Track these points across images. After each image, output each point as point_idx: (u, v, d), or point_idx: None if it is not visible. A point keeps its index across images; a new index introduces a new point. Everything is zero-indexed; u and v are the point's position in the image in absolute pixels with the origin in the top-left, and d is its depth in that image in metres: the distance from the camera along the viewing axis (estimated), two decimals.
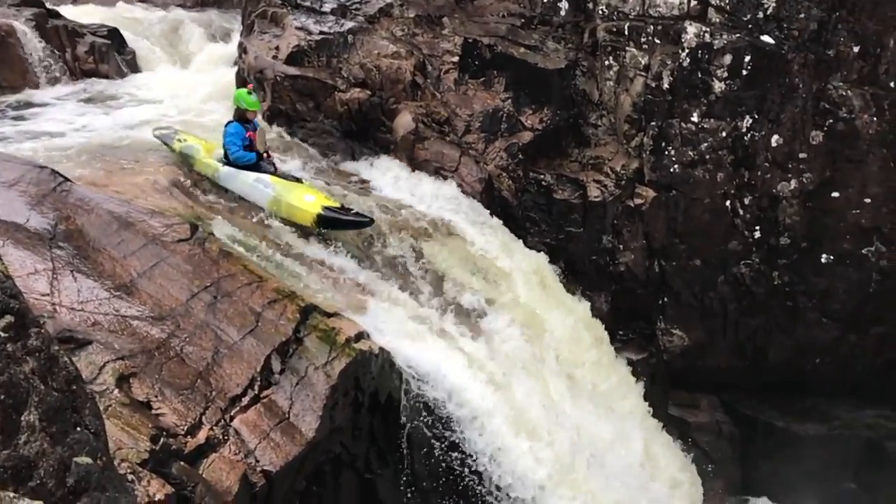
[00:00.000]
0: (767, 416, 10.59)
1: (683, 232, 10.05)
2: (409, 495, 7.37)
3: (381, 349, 6.95)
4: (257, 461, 5.50)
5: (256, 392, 5.92)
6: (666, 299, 10.39)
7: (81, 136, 9.79)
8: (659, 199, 9.98)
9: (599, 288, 10.17)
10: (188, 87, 12.24)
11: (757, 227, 9.89)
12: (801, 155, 9.55)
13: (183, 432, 5.26)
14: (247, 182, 8.28)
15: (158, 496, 4.42)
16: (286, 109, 10.44)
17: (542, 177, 10.20)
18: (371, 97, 10.24)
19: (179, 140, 8.95)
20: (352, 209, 8.21)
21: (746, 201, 9.82)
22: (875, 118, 9.25)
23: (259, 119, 9.16)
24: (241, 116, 8.47)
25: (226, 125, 8.60)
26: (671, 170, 9.85)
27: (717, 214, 9.90)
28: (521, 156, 10.12)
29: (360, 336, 6.87)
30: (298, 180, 8.53)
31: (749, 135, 9.59)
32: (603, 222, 10.17)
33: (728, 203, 9.86)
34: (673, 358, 10.50)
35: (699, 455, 10.33)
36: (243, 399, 5.81)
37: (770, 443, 10.52)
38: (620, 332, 10.15)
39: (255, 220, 8.17)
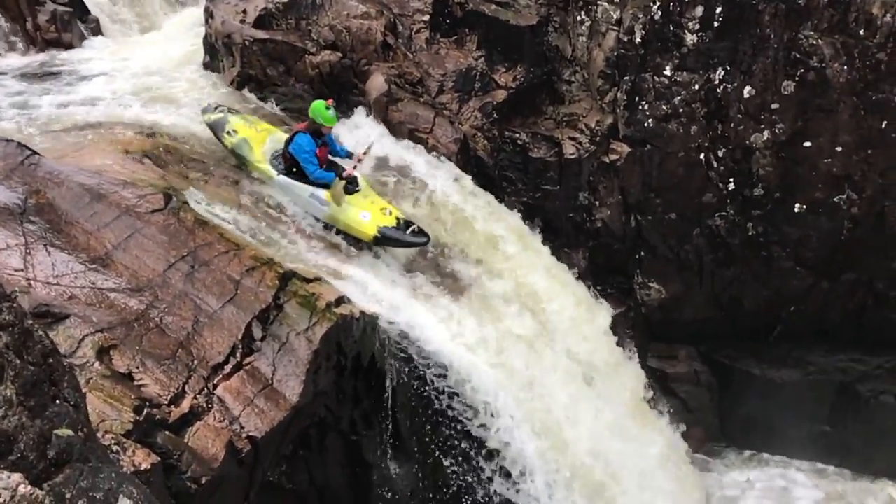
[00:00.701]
0: (744, 364, 10.82)
1: (658, 186, 10.11)
2: (393, 455, 7.51)
3: (363, 312, 6.99)
4: (242, 427, 5.55)
5: (238, 359, 5.95)
6: (643, 253, 10.50)
7: (42, 110, 9.52)
8: (634, 155, 10.01)
9: (577, 245, 10.24)
10: (148, 56, 11.92)
11: (731, 179, 9.97)
12: (774, 105, 9.59)
13: (166, 402, 5.29)
14: (302, 196, 8.05)
15: (144, 465, 4.46)
16: (256, 74, 10.25)
17: (517, 135, 10.17)
18: (342, 59, 10.08)
19: (229, 133, 8.41)
20: (412, 224, 8.03)
21: (720, 153, 9.88)
22: (845, 67, 9.28)
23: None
24: (315, 130, 8.05)
25: (294, 133, 8.13)
26: (645, 124, 9.87)
27: (692, 167, 9.97)
28: (495, 115, 10.07)
29: (341, 300, 6.90)
30: (355, 183, 8.11)
31: (721, 87, 9.60)
32: (579, 179, 10.19)
33: (702, 156, 9.91)
34: (651, 311, 10.66)
35: (678, 404, 10.57)
36: (226, 367, 5.84)
37: (747, 390, 10.77)
38: (599, 288, 10.25)
39: (230, 188, 8.11)
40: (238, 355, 5.95)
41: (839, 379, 10.57)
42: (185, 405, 5.36)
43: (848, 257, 10.15)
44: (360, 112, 9.83)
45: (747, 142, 9.76)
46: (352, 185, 8.05)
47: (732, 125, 9.73)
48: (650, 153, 9.98)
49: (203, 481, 4.97)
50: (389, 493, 7.51)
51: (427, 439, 7.51)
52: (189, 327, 5.92)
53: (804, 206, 9.93)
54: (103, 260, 6.16)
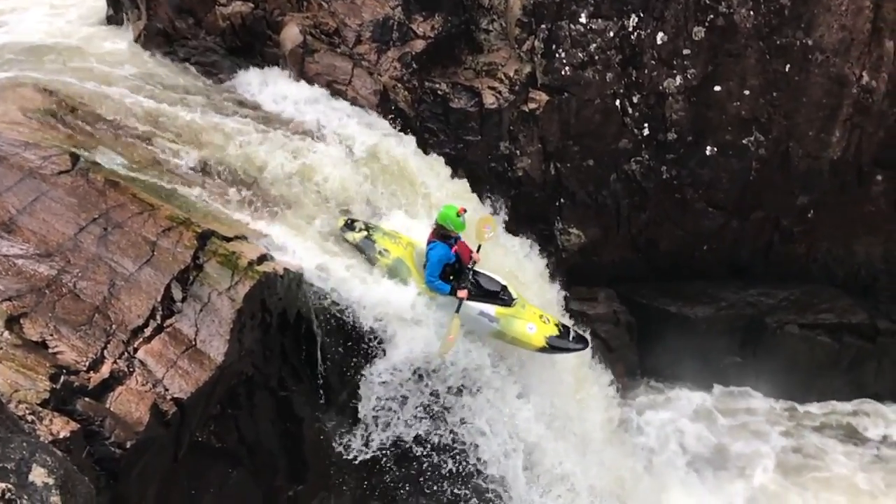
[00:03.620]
0: (661, 302, 11.32)
1: (576, 133, 10.29)
2: (325, 408, 7.58)
3: (286, 269, 6.95)
4: (166, 390, 5.49)
5: (159, 322, 5.85)
6: (562, 200, 10.73)
7: None
8: (552, 103, 10.12)
9: (499, 194, 10.35)
10: (44, 10, 11.22)
11: (645, 125, 10.23)
12: (685, 51, 9.85)
13: (84, 368, 5.19)
14: (469, 314, 7.80)
15: (63, 434, 4.38)
16: (164, 27, 9.85)
17: (437, 86, 10.12)
18: (254, 10, 9.77)
19: (381, 254, 7.94)
20: (569, 329, 8.23)
21: (635, 100, 10.11)
22: (752, 12, 9.58)
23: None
24: (444, 235, 7.67)
25: (430, 242, 7.75)
26: (562, 72, 9.97)
27: (608, 114, 10.17)
28: (415, 65, 9.97)
29: (263, 258, 6.84)
30: (506, 291, 7.99)
31: (635, 33, 9.77)
32: (499, 129, 10.26)
33: (617, 102, 10.12)
34: (571, 255, 10.95)
35: (599, 344, 10.96)
36: (146, 330, 5.74)
37: (664, 327, 11.27)
38: (521, 235, 10.43)
39: (143, 145, 7.83)
40: (158, 318, 5.85)
41: (749, 313, 11.19)
42: (105, 370, 5.26)
43: (756, 196, 10.65)
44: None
45: (661, 87, 10.01)
46: (507, 298, 7.98)
47: (646, 71, 9.95)
48: (567, 101, 10.11)
49: (128, 445, 4.92)
50: (322, 448, 7.59)
51: (358, 390, 7.60)
52: (105, 291, 5.77)
53: (715, 149, 10.32)
54: (7, 226, 5.91)
